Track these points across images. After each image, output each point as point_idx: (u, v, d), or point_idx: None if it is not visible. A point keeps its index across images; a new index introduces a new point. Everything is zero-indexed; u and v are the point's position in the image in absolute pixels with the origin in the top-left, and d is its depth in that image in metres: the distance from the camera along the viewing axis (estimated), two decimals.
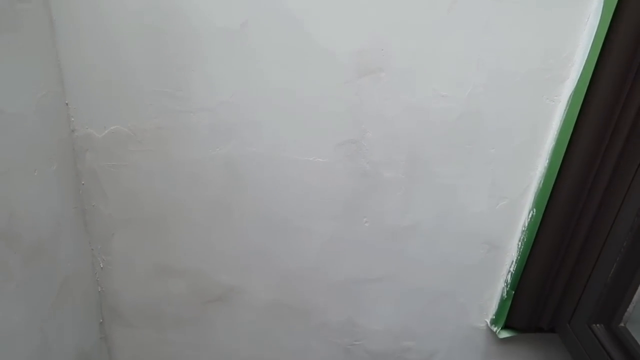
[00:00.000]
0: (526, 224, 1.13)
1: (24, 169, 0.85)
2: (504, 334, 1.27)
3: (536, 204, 1.10)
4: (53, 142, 0.95)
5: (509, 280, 1.21)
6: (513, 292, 1.21)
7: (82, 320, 1.14)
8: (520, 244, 1.16)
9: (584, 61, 0.95)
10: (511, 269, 1.20)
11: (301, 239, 1.17)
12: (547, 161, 1.06)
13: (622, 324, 0.99)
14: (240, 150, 1.05)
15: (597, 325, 1.04)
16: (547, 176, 1.06)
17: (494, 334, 1.30)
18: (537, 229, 1.12)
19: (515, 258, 1.18)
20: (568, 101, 0.99)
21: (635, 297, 0.95)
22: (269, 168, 1.08)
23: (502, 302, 1.24)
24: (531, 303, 1.20)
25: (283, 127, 1.03)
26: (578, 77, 0.97)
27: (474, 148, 1.06)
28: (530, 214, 1.12)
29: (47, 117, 0.92)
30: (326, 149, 1.06)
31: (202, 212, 1.13)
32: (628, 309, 0.97)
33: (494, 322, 1.28)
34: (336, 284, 1.24)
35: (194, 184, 1.09)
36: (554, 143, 1.04)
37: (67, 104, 1.00)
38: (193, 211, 1.13)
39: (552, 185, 1.07)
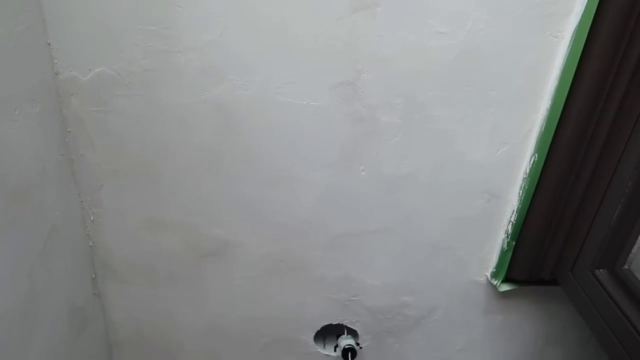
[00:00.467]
0: (527, 171, 1.10)
1: (3, 104, 0.82)
2: (504, 287, 1.25)
3: (538, 148, 1.06)
4: (35, 83, 0.91)
5: (509, 231, 1.18)
6: (514, 243, 1.18)
7: (73, 273, 1.12)
8: (521, 192, 1.13)
9: None
10: (512, 219, 1.17)
11: (296, 189, 1.14)
12: (550, 102, 1.02)
13: (626, 266, 0.96)
14: (231, 94, 1.02)
15: (600, 270, 1.01)
16: (549, 118, 1.03)
17: (494, 288, 1.28)
18: (539, 175, 1.09)
19: (516, 207, 1.15)
20: (572, 37, 0.95)
21: None
22: (261, 113, 1.04)
23: (503, 254, 1.21)
24: (532, 253, 1.17)
25: (275, 68, 0.99)
26: (582, 11, 0.92)
27: (474, 90, 1.02)
28: (532, 160, 1.08)
29: (27, 54, 0.88)
30: (320, 92, 1.02)
31: (193, 161, 1.10)
32: (632, 251, 0.94)
33: (494, 275, 1.25)
34: (332, 237, 1.21)
35: (184, 130, 1.06)
36: (556, 83, 0.99)
37: (49, 44, 0.95)
38: (184, 160, 1.09)
39: (554, 128, 1.03)
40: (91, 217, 1.16)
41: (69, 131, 1.05)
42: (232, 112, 1.04)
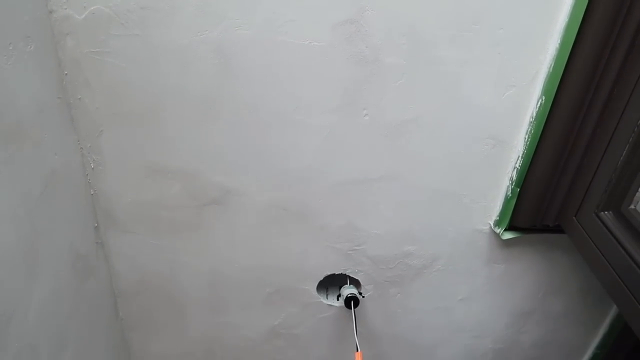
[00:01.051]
0: (534, 114, 1.08)
1: None
2: (508, 235, 1.25)
3: (545, 90, 1.04)
4: (28, 19, 0.88)
5: (514, 177, 1.17)
6: (518, 190, 1.17)
7: (75, 220, 1.12)
8: (527, 136, 1.11)
9: None
10: (517, 165, 1.15)
11: (298, 135, 1.12)
12: (559, 41, 0.99)
13: (632, 206, 0.95)
14: (231, 34, 0.99)
15: (606, 212, 1.01)
16: (558, 59, 1.00)
17: (497, 236, 1.28)
18: (545, 118, 1.07)
19: (522, 153, 1.13)
20: None
21: None
22: (262, 54, 1.01)
23: (507, 201, 1.20)
24: (536, 200, 1.16)
25: (276, 5, 0.96)
26: None
27: (481, 28, 0.99)
28: (539, 103, 1.06)
29: None
30: (323, 31, 0.99)
31: (194, 106, 1.07)
32: (639, 190, 0.93)
33: (498, 223, 1.25)
34: (335, 184, 1.20)
35: (183, 73, 1.03)
36: (567, 20, 0.96)
37: None
38: (184, 105, 1.07)
39: (562, 69, 1.00)
40: (91, 165, 1.15)
41: (66, 74, 1.03)
42: (232, 54, 1.01)
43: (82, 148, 1.13)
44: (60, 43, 0.99)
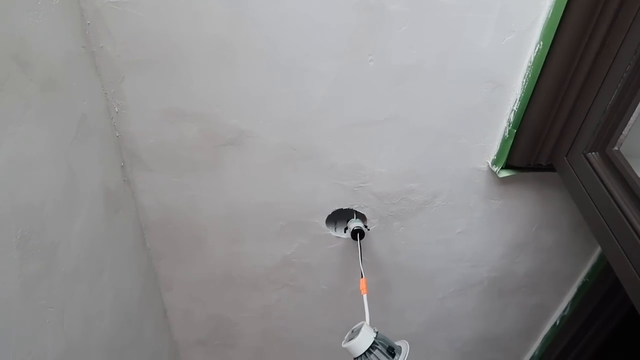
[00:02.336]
0: (532, 59, 1.13)
1: None
2: (504, 174, 1.33)
3: (543, 36, 1.08)
4: None
5: (511, 119, 1.23)
6: (515, 131, 1.24)
7: (104, 160, 1.22)
8: (525, 80, 1.17)
9: None
10: (514, 108, 1.22)
11: (307, 80, 1.19)
12: None
13: (616, 148, 1.02)
14: None
15: (593, 153, 1.08)
16: (556, 6, 1.04)
17: (494, 174, 1.36)
18: (542, 63, 1.12)
19: (519, 96, 1.19)
20: None
21: (631, 120, 0.97)
22: (273, 2, 1.06)
23: (504, 141, 1.27)
24: (531, 140, 1.24)
25: None
26: None
27: None
28: (537, 48, 1.11)
29: None
30: None
31: (208, 52, 1.14)
32: (623, 132, 0.99)
33: (495, 162, 1.33)
34: (342, 126, 1.28)
35: (198, 20, 1.09)
36: None
37: None
38: (199, 52, 1.14)
39: (560, 16, 1.04)
40: (115, 109, 1.24)
41: (88, 24, 1.09)
42: (245, 2, 1.06)
43: (106, 94, 1.21)
44: None
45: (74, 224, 1.07)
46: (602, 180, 1.04)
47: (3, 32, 0.80)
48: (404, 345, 1.16)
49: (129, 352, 1.44)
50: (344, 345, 1.15)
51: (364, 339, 1.13)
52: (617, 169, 1.00)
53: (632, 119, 0.96)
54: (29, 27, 0.87)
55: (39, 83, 0.91)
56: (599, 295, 1.65)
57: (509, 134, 1.25)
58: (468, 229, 1.53)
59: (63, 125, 1.01)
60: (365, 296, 1.26)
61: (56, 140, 0.99)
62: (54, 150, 0.98)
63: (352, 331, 1.19)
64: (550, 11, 1.05)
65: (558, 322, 1.84)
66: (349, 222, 1.50)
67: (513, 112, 1.22)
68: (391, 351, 1.13)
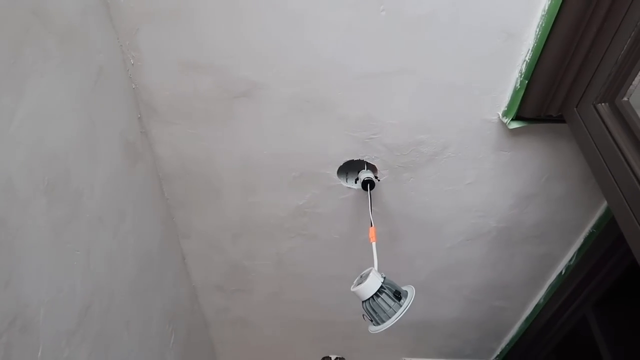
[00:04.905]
0: (546, 7, 1.11)
1: None
2: (514, 125, 1.34)
3: None
4: None
5: (523, 70, 1.23)
6: (526, 82, 1.24)
7: (121, 111, 1.26)
8: (538, 30, 1.15)
9: None
10: (526, 58, 1.21)
11: (318, 30, 1.19)
12: None
13: (625, 99, 1.02)
14: None
15: (602, 104, 1.08)
16: None
17: (504, 126, 1.37)
18: (557, 11, 1.10)
19: (532, 46, 1.18)
20: None
21: None
22: None
23: (515, 92, 1.28)
24: (543, 91, 1.24)
25: None
26: None
27: None
28: None
29: None
30: None
31: (219, 3, 1.15)
32: (633, 83, 0.99)
33: (506, 113, 1.33)
34: (353, 78, 1.29)
35: None
36: None
37: None
38: (212, 3, 1.15)
39: None
40: (131, 61, 1.27)
41: None
42: None
43: (121, 46, 1.23)
44: None
45: (96, 172, 1.12)
46: (610, 132, 1.05)
47: None
48: (410, 290, 1.22)
49: (151, 294, 1.54)
50: (352, 289, 1.22)
51: (372, 283, 1.19)
52: (625, 119, 1.00)
53: None
54: None
55: (57, 35, 0.94)
56: (605, 245, 1.68)
57: (520, 84, 1.25)
58: (477, 180, 1.56)
59: (81, 76, 1.05)
60: (374, 244, 1.32)
61: (76, 92, 1.02)
62: (74, 101, 1.02)
63: (361, 276, 1.25)
64: None
65: (564, 272, 1.89)
66: (359, 173, 1.54)
67: (525, 62, 1.22)
68: (397, 295, 1.19)
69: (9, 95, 0.79)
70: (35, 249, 0.88)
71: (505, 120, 1.34)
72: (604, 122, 1.07)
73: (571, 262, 1.84)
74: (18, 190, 0.82)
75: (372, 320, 1.21)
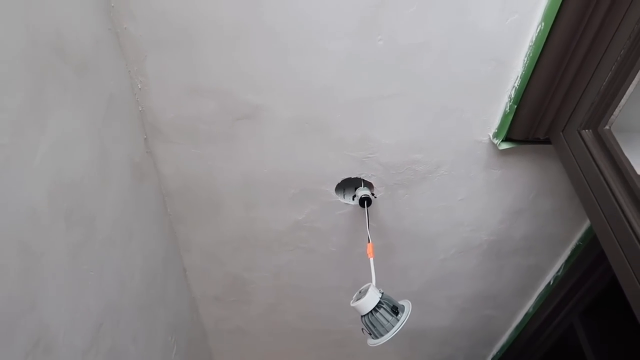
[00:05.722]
0: (534, 39, 1.19)
1: None
2: (504, 146, 1.41)
3: (545, 17, 1.14)
4: None
5: (512, 95, 1.30)
6: (515, 107, 1.31)
7: (129, 134, 1.31)
8: (526, 59, 1.23)
9: None
10: (515, 84, 1.28)
11: (319, 57, 1.25)
12: None
13: (607, 127, 1.10)
14: None
15: (586, 130, 1.16)
16: None
17: (494, 146, 1.44)
18: (543, 43, 1.17)
19: (520, 73, 1.26)
20: None
21: (622, 102, 1.04)
22: None
23: (505, 116, 1.35)
24: (531, 116, 1.31)
25: None
26: None
27: None
28: (539, 28, 1.16)
29: None
30: None
31: (225, 32, 1.20)
32: (614, 113, 1.07)
33: (496, 135, 1.41)
34: (352, 101, 1.35)
35: (216, 2, 1.15)
36: None
37: None
38: (217, 31, 1.20)
39: None
40: (139, 85, 1.32)
41: (112, 6, 1.15)
42: None
43: (129, 71, 1.28)
44: None
45: (107, 195, 1.17)
46: (593, 157, 1.12)
47: (43, 26, 0.88)
48: (406, 305, 1.28)
49: (156, 308, 1.58)
50: (352, 305, 1.28)
51: (371, 299, 1.25)
52: (607, 146, 1.08)
53: (622, 101, 1.04)
54: (63, 17, 0.94)
55: (73, 68, 0.99)
56: (591, 257, 1.76)
57: (509, 109, 1.32)
58: (469, 197, 1.63)
59: (95, 104, 1.10)
60: (372, 260, 1.38)
61: (90, 119, 1.08)
62: (89, 128, 1.07)
63: (360, 292, 1.31)
64: None
65: (552, 282, 1.96)
66: (357, 190, 1.60)
67: (514, 88, 1.29)
68: (395, 310, 1.25)
69: (34, 130, 0.85)
70: (56, 272, 0.93)
71: (495, 141, 1.41)
72: (587, 147, 1.14)
73: (559, 273, 1.91)
74: (41, 219, 0.87)
75: (370, 334, 1.27)
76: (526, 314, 2.18)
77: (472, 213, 1.69)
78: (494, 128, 1.40)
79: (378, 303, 1.25)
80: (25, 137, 0.82)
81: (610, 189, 1.06)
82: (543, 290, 2.03)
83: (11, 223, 0.79)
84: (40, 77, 0.86)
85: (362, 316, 1.28)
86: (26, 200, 0.83)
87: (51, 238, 0.91)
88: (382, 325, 1.24)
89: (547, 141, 1.36)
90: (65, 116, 0.95)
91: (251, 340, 2.43)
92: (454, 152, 1.49)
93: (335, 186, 1.60)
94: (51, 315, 0.91)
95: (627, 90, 1.03)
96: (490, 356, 2.53)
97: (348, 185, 1.64)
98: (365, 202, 1.56)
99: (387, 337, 1.23)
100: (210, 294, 2.11)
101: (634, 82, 1.03)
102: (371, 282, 1.33)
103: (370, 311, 1.25)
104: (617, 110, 1.06)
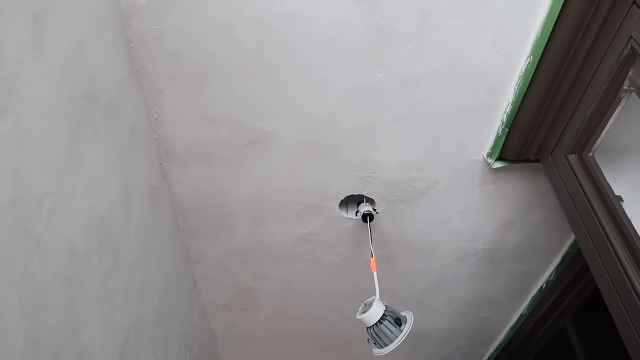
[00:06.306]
0: (523, 70, 1.28)
1: (91, 39, 1.01)
2: (497, 165, 1.51)
3: (533, 51, 1.23)
4: (105, 12, 1.08)
5: (504, 120, 1.40)
6: (507, 130, 1.41)
7: (148, 161, 1.40)
8: (516, 87, 1.32)
9: None
10: (507, 110, 1.38)
11: (325, 88, 1.35)
12: (547, 11, 1.16)
13: (590, 154, 1.20)
14: (267, 11, 1.17)
15: (572, 155, 1.26)
16: (545, 25, 1.18)
17: (489, 165, 1.54)
18: (532, 74, 1.27)
19: (511, 100, 1.35)
20: None
21: (604, 132, 1.14)
22: (294, 27, 1.20)
23: (498, 138, 1.45)
24: (521, 139, 1.41)
25: None
26: None
27: (482, 1, 1.17)
28: (528, 61, 1.26)
29: None
30: (344, 7, 1.17)
31: (237, 67, 1.29)
32: (597, 142, 1.17)
33: (490, 155, 1.50)
34: (355, 127, 1.44)
35: (228, 42, 1.23)
36: None
37: None
38: (229, 66, 1.29)
39: (549, 34, 1.19)
40: (155, 116, 1.40)
41: (132, 47, 1.24)
42: (269, 27, 1.20)
43: (147, 104, 1.37)
44: (127, 23, 1.19)
45: (130, 222, 1.26)
46: (578, 179, 1.22)
47: (77, 76, 0.96)
48: (409, 316, 1.38)
49: (171, 319, 1.68)
50: (358, 317, 1.38)
51: (376, 312, 1.35)
52: (591, 172, 1.18)
53: (604, 131, 1.13)
54: (93, 66, 1.03)
55: (102, 111, 1.08)
56: (581, 263, 1.86)
57: (502, 132, 1.42)
58: (465, 210, 1.73)
59: (119, 140, 1.19)
60: (375, 273, 1.48)
61: (115, 155, 1.16)
62: (115, 163, 1.16)
63: (365, 304, 1.41)
64: (540, 30, 1.20)
65: (544, 286, 2.07)
66: (359, 206, 1.70)
67: (506, 113, 1.39)
68: (398, 321, 1.35)
69: (72, 173, 0.94)
70: (91, 299, 1.02)
71: (489, 160, 1.51)
72: (573, 170, 1.24)
73: (551, 278, 2.02)
74: (79, 253, 0.96)
75: (376, 344, 1.37)
76: (520, 315, 2.28)
77: (468, 224, 1.79)
78: (487, 148, 1.50)
79: (382, 315, 1.35)
80: (66, 183, 0.91)
81: (593, 209, 1.16)
82: (536, 293, 2.14)
83: (57, 261, 0.88)
84: (76, 125, 0.95)
85: (367, 327, 1.38)
86: (67, 238, 0.92)
87: (88, 269, 1.00)
88: (386, 336, 1.34)
89: (537, 161, 1.46)
90: (96, 156, 1.04)
91: (258, 344, 2.53)
92: (450, 170, 1.59)
93: (339, 202, 1.70)
94: (88, 337, 1.01)
95: (609, 121, 1.13)
96: (487, 355, 2.65)
97: (350, 200, 1.74)
98: (367, 217, 1.65)
99: (392, 347, 1.33)
100: (219, 302, 2.21)
101: (615, 114, 1.12)
102: (375, 295, 1.43)
103: (376, 323, 1.35)
104: (599, 139, 1.16)
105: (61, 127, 0.89)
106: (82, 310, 0.98)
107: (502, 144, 1.45)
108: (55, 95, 0.86)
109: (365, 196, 1.68)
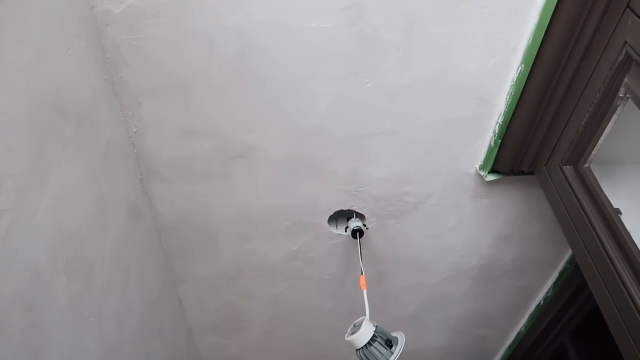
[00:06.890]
0: (514, 79, 1.24)
1: (59, 48, 0.96)
2: (490, 177, 1.46)
3: (524, 60, 1.19)
4: (77, 20, 1.03)
5: (496, 131, 1.35)
6: (500, 141, 1.36)
7: (125, 176, 1.34)
8: (508, 97, 1.28)
9: None
10: (499, 121, 1.33)
11: (310, 99, 1.30)
12: (538, 18, 1.12)
13: (586, 165, 1.15)
14: (249, 19, 1.13)
15: (567, 166, 1.21)
16: (536, 33, 1.14)
17: (481, 177, 1.49)
18: (524, 83, 1.23)
19: (503, 110, 1.31)
20: None
21: (600, 142, 1.09)
22: (277, 35, 1.16)
23: (490, 150, 1.40)
24: (515, 150, 1.36)
25: None
26: None
27: (469, 8, 1.12)
28: (519, 70, 1.22)
29: None
30: (329, 15, 1.13)
31: (218, 78, 1.24)
32: (592, 152, 1.12)
33: (482, 167, 1.45)
34: (342, 139, 1.39)
35: (209, 52, 1.18)
36: (544, 0, 1.09)
37: None
38: (209, 77, 1.24)
39: (540, 42, 1.15)
40: (134, 129, 1.35)
41: (108, 57, 1.19)
42: (250, 36, 1.15)
43: (125, 117, 1.32)
44: (102, 32, 1.14)
45: (105, 239, 1.20)
46: (574, 191, 1.17)
47: (42, 87, 0.91)
48: (400, 337, 1.32)
49: (154, 342, 1.60)
50: (347, 339, 1.31)
51: (365, 333, 1.28)
52: (587, 184, 1.13)
53: (600, 141, 1.09)
54: (62, 76, 0.98)
55: (73, 124, 1.02)
56: (580, 278, 1.81)
57: (494, 143, 1.37)
58: (458, 225, 1.67)
59: (93, 154, 1.13)
60: (365, 292, 1.41)
61: (88, 169, 1.11)
62: (87, 178, 1.10)
63: (354, 325, 1.34)
64: (530, 38, 1.16)
65: (542, 302, 2.00)
66: (349, 222, 1.64)
67: (498, 124, 1.34)
68: (389, 343, 1.28)
69: (36, 190, 0.88)
70: (57, 324, 0.96)
71: (482, 173, 1.46)
72: (568, 182, 1.19)
73: (549, 294, 1.96)
74: (43, 274, 0.90)
75: None
76: (518, 333, 2.21)
77: (462, 239, 1.73)
78: (480, 161, 1.45)
79: (372, 337, 1.28)
80: (28, 199, 0.85)
81: (590, 222, 1.10)
82: (534, 310, 2.07)
83: (16, 284, 0.82)
84: (41, 139, 0.89)
85: (357, 350, 1.31)
86: (29, 259, 0.86)
87: (52, 292, 0.93)
88: (377, 359, 1.27)
89: (531, 173, 1.41)
90: (65, 171, 0.98)
91: None
92: (442, 184, 1.53)
93: (328, 218, 1.64)
94: None
95: (605, 131, 1.08)
96: None
97: (340, 215, 1.68)
98: (357, 233, 1.59)
99: None
100: (206, 323, 2.13)
101: (611, 122, 1.08)
102: (365, 314, 1.36)
103: (365, 345, 1.28)
104: (595, 149, 1.11)
105: (22, 140, 0.83)
106: (46, 335, 0.91)
107: (494, 156, 1.40)
108: (14, 106, 0.81)
109: (355, 211, 1.63)
